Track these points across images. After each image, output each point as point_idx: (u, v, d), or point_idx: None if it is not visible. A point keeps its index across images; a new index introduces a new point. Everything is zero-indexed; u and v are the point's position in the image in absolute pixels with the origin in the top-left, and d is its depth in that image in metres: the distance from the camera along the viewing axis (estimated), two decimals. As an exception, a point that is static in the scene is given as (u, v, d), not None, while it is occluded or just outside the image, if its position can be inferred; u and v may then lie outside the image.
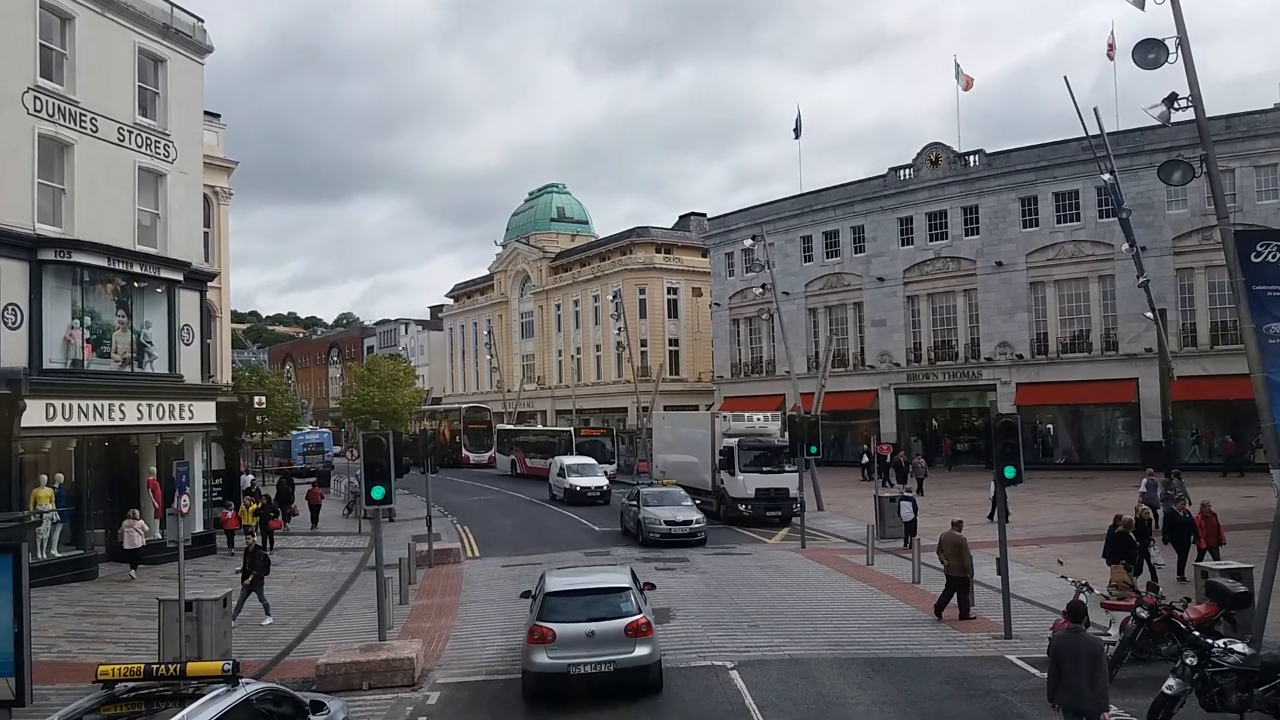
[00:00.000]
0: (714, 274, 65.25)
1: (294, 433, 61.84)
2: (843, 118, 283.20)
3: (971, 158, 51.18)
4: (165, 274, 25.92)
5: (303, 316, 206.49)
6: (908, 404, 53.89)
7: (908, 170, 53.44)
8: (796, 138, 58.35)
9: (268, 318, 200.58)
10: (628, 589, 13.78)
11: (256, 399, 46.01)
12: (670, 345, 71.19)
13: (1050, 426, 49.37)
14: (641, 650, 13.02)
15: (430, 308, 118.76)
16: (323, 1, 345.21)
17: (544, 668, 12.90)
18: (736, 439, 31.66)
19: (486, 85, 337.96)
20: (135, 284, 25.07)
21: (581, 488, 39.95)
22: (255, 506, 29.73)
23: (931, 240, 52.26)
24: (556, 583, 14.10)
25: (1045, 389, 47.73)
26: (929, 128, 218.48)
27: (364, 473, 16.10)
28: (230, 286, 35.09)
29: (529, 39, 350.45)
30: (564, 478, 41.53)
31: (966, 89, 51.33)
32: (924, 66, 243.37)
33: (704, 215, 76.71)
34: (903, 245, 53.40)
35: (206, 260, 30.35)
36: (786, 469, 31.27)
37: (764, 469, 31.31)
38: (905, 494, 29.22)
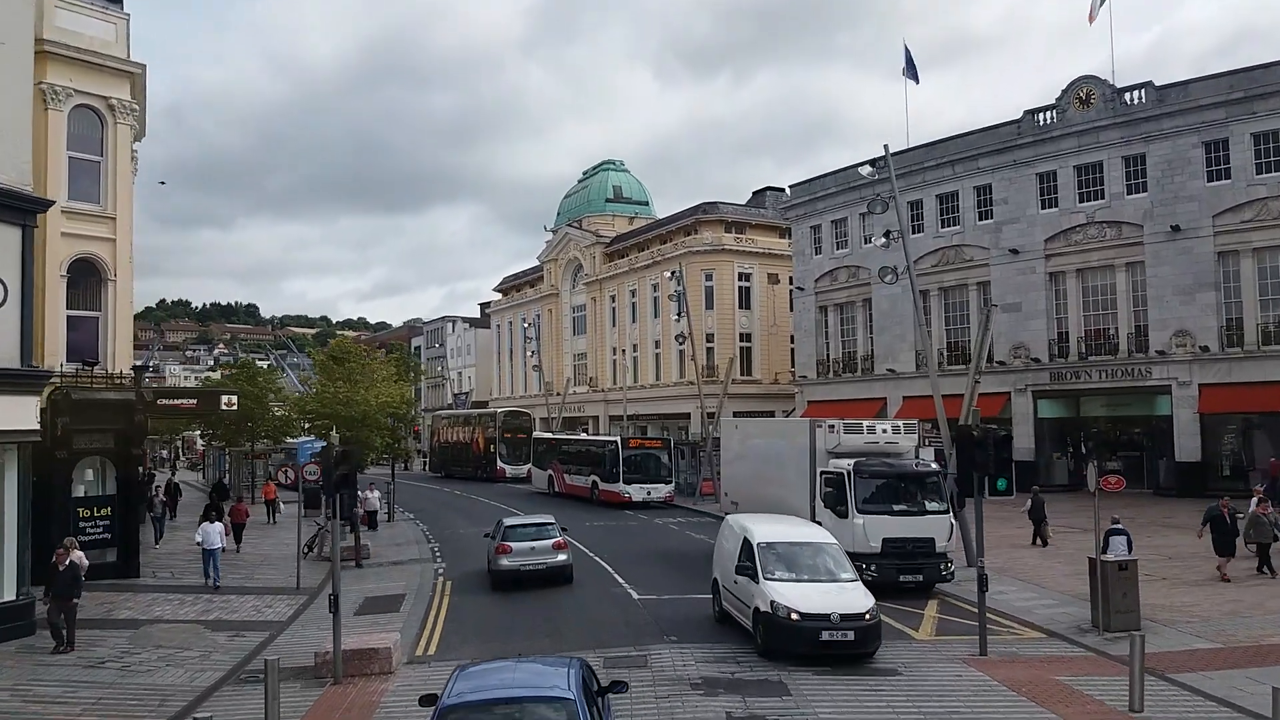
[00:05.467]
0: (796, 252, 53.98)
1: (298, 440, 52.34)
2: (927, 122, 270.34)
3: (1135, 93, 39.39)
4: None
5: (373, 322, 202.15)
6: (1050, 411, 42.13)
7: (1049, 113, 41.81)
8: (910, 80, 46.70)
9: (338, 323, 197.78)
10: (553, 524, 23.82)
11: (225, 399, 36.39)
12: (742, 340, 60.14)
13: (1237, 440, 37.42)
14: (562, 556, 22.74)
15: (480, 305, 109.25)
16: (411, 14, 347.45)
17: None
18: (851, 460, 20.64)
19: (565, 94, 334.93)
20: None
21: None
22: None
23: (1082, 201, 40.56)
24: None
25: (1239, 392, 35.82)
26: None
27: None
28: (135, 240, 25.15)
29: (609, 48, 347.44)
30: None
31: (1091, 22, 39.79)
32: (1010, 70, 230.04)
33: (781, 190, 65.62)
34: (1043, 208, 41.77)
35: (40, 185, 20.41)
36: (930, 508, 20.30)
37: (896, 507, 20.29)
38: (1115, 524, 19.28)
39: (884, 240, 29.51)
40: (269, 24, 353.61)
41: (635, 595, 20.99)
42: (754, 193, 71.42)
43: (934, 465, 21.28)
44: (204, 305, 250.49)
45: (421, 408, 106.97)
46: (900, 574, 19.73)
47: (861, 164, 26.49)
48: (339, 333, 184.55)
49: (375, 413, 26.77)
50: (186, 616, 19.74)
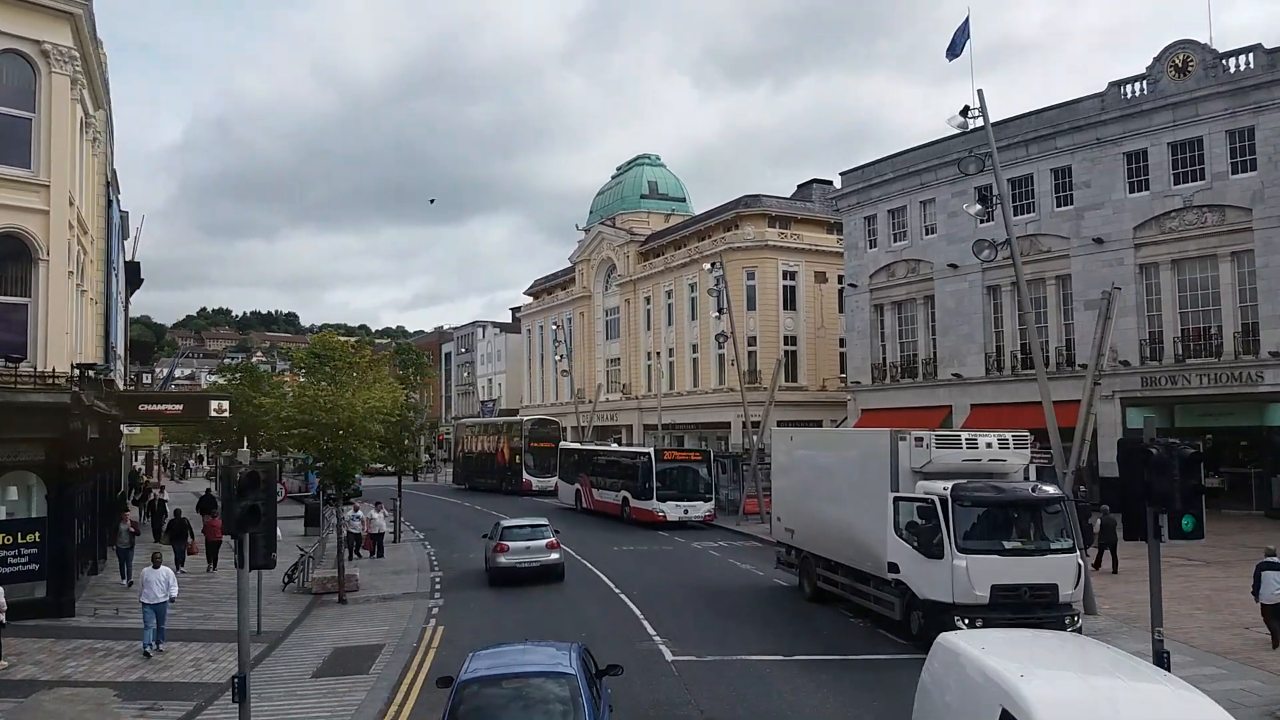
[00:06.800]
0: (848, 246, 49.25)
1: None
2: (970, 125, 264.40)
3: (1241, 58, 34.42)
4: None
5: (411, 330, 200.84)
6: (1140, 421, 36.94)
7: (1138, 84, 36.90)
8: (952, 58, 41.95)
9: (376, 331, 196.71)
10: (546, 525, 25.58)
11: (215, 404, 32.60)
12: (786, 344, 55.49)
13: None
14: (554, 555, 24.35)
15: (511, 309, 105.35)
16: (453, 26, 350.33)
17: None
18: (948, 483, 16.07)
19: (605, 103, 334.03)
20: None
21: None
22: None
23: (1178, 183, 35.59)
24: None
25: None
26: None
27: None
28: (75, 219, 21.20)
29: (649, 58, 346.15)
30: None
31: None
32: (1051, 76, 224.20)
33: (828, 183, 61.01)
34: (1132, 192, 36.84)
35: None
36: (1053, 546, 15.70)
37: (1008, 545, 15.71)
38: (1271, 558, 15.53)
39: (979, 208, 24.98)
40: (315, 38, 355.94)
41: (669, 654, 16.52)
42: (799, 186, 66.77)
43: (1054, 490, 16.67)
44: (244, 314, 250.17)
45: (451, 416, 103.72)
46: (1015, 631, 15.14)
47: (950, 119, 22.84)
48: (376, 340, 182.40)
49: (362, 419, 22.60)
50: (102, 676, 15.64)
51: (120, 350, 52.66)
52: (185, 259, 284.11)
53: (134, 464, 60.69)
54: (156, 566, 17.93)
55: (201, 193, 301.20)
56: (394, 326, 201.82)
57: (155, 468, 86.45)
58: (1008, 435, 17.28)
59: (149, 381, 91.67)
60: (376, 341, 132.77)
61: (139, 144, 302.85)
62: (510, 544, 24.45)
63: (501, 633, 17.59)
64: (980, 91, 21.83)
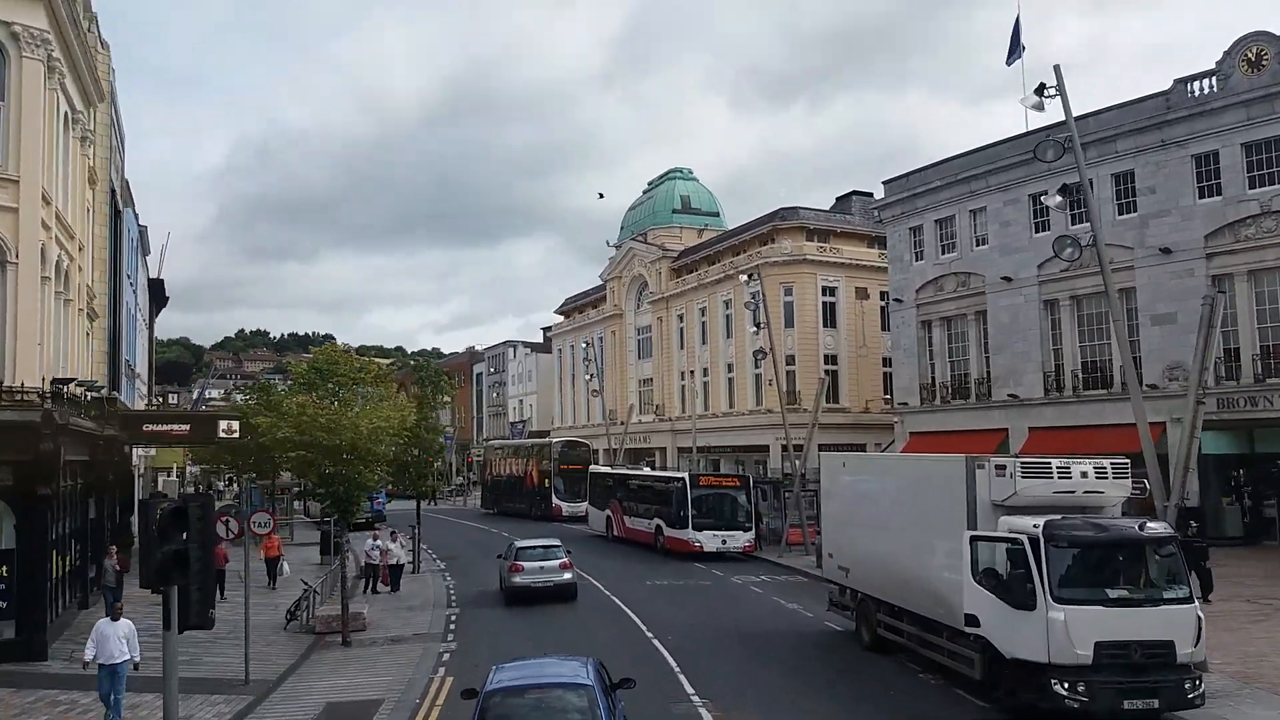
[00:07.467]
0: (892, 259, 46.83)
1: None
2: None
3: (1323, 52, 31.85)
4: None
5: (446, 352, 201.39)
6: (1216, 446, 34.15)
7: (1207, 81, 34.36)
8: (1010, 63, 39.60)
9: (413, 353, 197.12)
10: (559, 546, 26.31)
11: (224, 424, 30.82)
12: (826, 363, 53.04)
13: None
14: (567, 575, 25.38)
15: (542, 329, 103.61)
16: (490, 52, 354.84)
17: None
18: (1038, 519, 13.69)
19: (639, 126, 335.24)
20: None
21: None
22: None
23: (1253, 187, 32.95)
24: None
25: None
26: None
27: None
28: (53, 219, 19.42)
29: (685, 80, 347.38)
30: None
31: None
32: (1092, 94, 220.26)
33: (868, 195, 58.61)
34: (1202, 198, 34.24)
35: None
36: (1168, 595, 13.29)
37: (1113, 594, 13.30)
38: None
39: (1059, 199, 22.67)
40: (355, 64, 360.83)
41: None
42: (838, 198, 64.40)
43: (1165, 528, 14.23)
44: (282, 335, 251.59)
45: (483, 438, 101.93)
46: (1124, 697, 12.69)
47: (1023, 98, 20.86)
48: (409, 361, 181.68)
49: (366, 441, 20.54)
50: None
51: (141, 369, 51.34)
52: (225, 281, 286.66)
53: (155, 488, 59.17)
54: (115, 619, 14.78)
55: (242, 216, 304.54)
56: (429, 348, 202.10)
57: (180, 491, 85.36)
58: (1104, 462, 14.84)
59: (175, 401, 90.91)
60: (410, 363, 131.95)
61: (182, 168, 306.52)
62: (525, 564, 25.53)
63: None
64: (1057, 67, 19.61)
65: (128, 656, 14.56)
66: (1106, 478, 14.65)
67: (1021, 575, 13.48)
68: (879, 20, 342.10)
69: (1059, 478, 14.44)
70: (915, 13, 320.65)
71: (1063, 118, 21.97)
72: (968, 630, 14.46)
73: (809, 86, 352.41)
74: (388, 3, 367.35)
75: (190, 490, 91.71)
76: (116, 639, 14.49)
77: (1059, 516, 13.80)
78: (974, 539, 14.61)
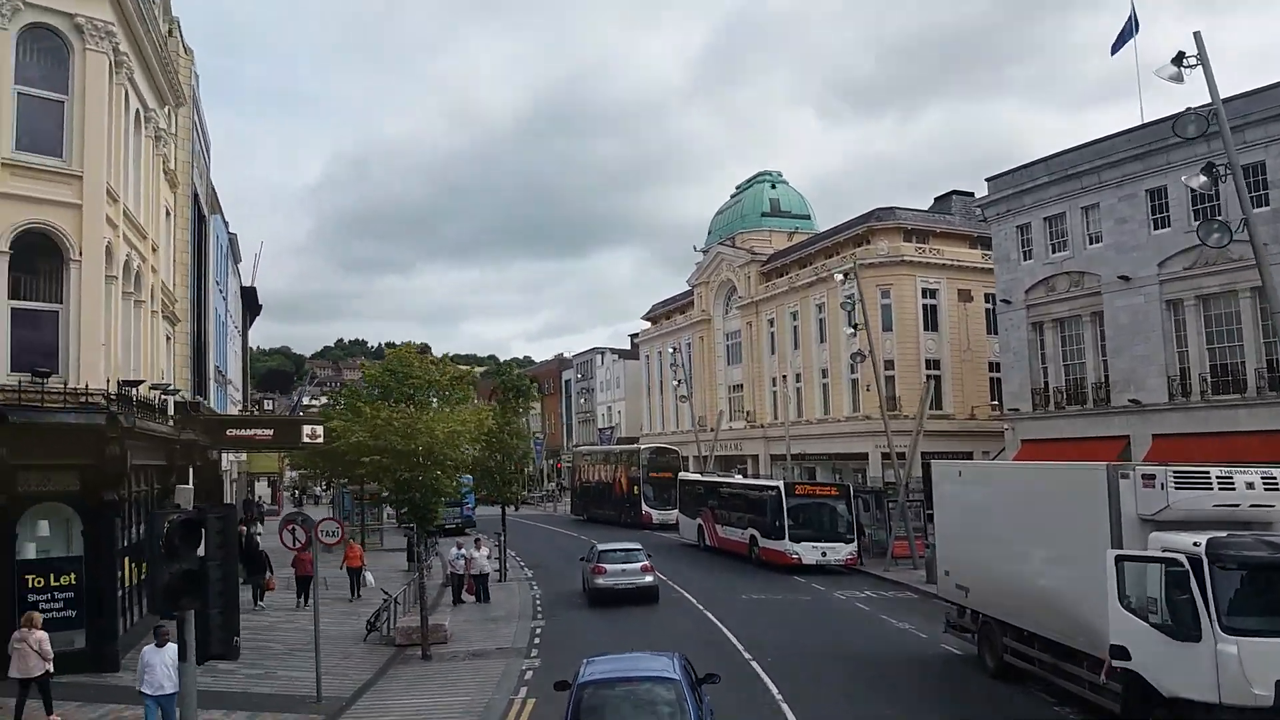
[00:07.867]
0: (999, 258, 44.43)
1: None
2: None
3: None
4: None
5: (538, 360, 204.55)
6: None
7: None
8: (1115, 51, 36.94)
9: (505, 361, 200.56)
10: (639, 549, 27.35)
11: (309, 429, 30.46)
12: (928, 368, 50.80)
13: None
14: (648, 578, 26.29)
15: (630, 335, 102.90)
16: (582, 67, 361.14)
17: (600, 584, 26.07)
18: (1199, 536, 11.96)
19: (728, 137, 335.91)
20: None
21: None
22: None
23: (1406, 174, 30.06)
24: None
25: None
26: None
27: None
28: (120, 217, 19.00)
29: (772, 90, 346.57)
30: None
31: None
32: (1191, 100, 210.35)
33: (969, 194, 56.19)
34: (1351, 187, 31.40)
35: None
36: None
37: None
38: None
39: (1203, 180, 20.68)
40: (450, 80, 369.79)
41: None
42: (936, 199, 61.92)
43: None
44: (379, 344, 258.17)
45: (572, 444, 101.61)
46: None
47: (1158, 69, 19.18)
48: (452, 361, 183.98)
49: (442, 446, 19.62)
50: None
51: (234, 375, 51.93)
52: (324, 293, 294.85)
53: (249, 494, 59.93)
54: (161, 645, 13.00)
55: (339, 229, 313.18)
56: (522, 356, 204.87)
57: (279, 496, 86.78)
58: (1275, 472, 12.98)
59: (271, 408, 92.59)
60: (495, 370, 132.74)
61: (281, 183, 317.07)
62: (607, 566, 26.60)
63: None
64: (1198, 34, 17.73)
65: (177, 689, 11.56)
66: (1277, 489, 12.79)
67: (1183, 600, 11.75)
68: (971, 31, 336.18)
69: (1220, 489, 12.65)
70: (1011, 22, 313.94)
71: (1187, 106, 19.99)
72: (1115, 663, 12.75)
73: (900, 95, 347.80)
74: (481, 20, 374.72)
75: (288, 494, 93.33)
76: (163, 666, 12.89)
77: (1223, 534, 12.04)
78: (1120, 559, 12.89)
